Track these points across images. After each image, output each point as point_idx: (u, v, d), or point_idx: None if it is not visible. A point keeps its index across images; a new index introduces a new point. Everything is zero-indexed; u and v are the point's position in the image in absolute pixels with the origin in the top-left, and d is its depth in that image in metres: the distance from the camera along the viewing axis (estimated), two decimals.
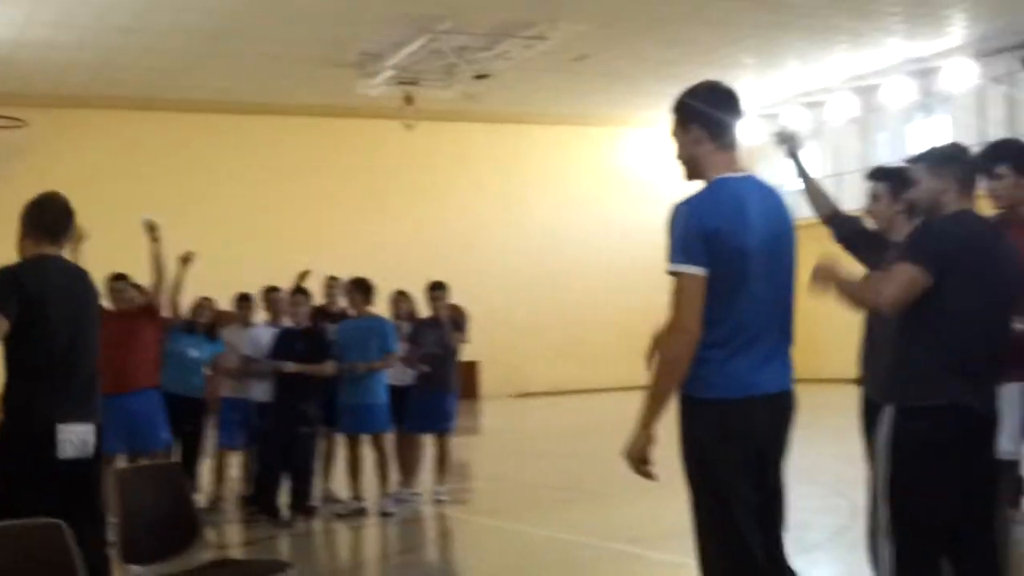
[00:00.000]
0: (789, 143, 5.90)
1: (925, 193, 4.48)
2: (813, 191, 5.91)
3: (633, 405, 4.03)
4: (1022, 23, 24.41)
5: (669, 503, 5.29)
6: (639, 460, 3.88)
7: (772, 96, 26.60)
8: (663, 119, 4.88)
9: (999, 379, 4.42)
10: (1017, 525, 5.36)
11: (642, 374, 4.13)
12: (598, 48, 21.04)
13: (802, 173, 5.92)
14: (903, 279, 4.21)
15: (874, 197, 5.47)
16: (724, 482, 3.87)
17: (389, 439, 10.33)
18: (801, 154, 5.93)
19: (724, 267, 3.82)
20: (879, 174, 5.51)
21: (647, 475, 3.89)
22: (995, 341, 4.32)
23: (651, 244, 25.37)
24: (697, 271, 3.80)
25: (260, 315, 10.59)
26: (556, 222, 27.03)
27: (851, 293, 4.37)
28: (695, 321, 3.80)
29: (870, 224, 5.62)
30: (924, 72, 28.20)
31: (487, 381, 24.83)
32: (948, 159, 4.48)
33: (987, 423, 4.33)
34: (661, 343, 3.97)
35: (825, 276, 4.34)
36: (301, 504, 9.70)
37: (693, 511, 3.97)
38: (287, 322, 10.11)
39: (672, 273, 3.86)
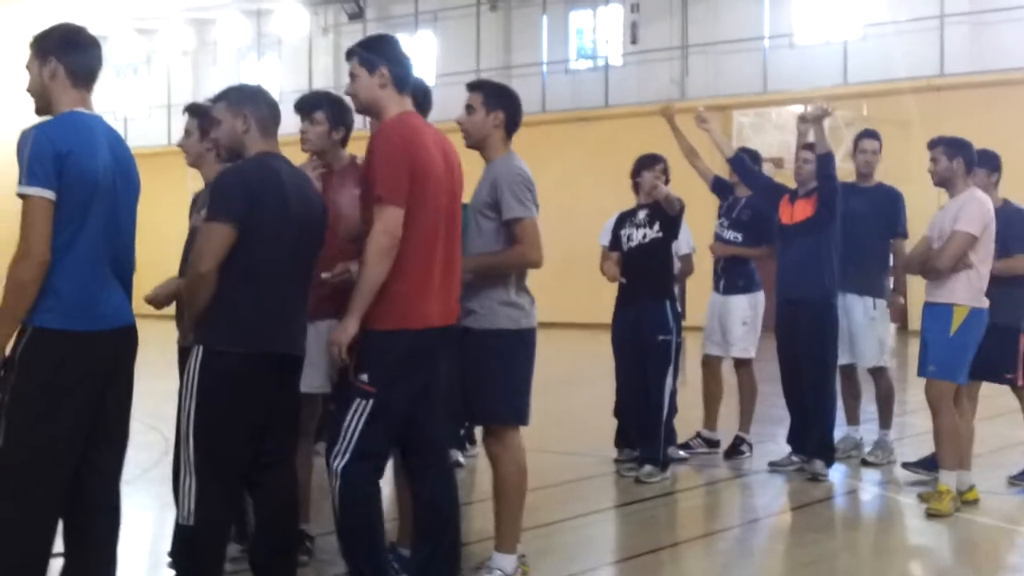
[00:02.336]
0: None
1: (226, 132, 4.53)
2: None
3: None
4: None
5: None
6: None
7: (102, 18, 25.56)
8: None
9: (309, 317, 4.61)
10: (319, 457, 5.65)
11: None
12: None
13: None
14: (215, 241, 4.26)
15: (187, 132, 5.43)
16: (56, 415, 3.89)
17: None
18: None
19: (75, 193, 3.86)
20: (193, 109, 5.47)
21: None
22: (299, 282, 4.48)
23: None
24: (46, 194, 3.82)
25: None
26: None
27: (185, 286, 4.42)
28: (44, 244, 3.82)
29: None
30: (258, 13, 28.68)
31: None
32: (248, 99, 4.54)
33: (292, 361, 4.49)
34: (10, 267, 3.87)
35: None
36: None
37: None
38: None
39: (21, 195, 3.84)
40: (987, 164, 7.20)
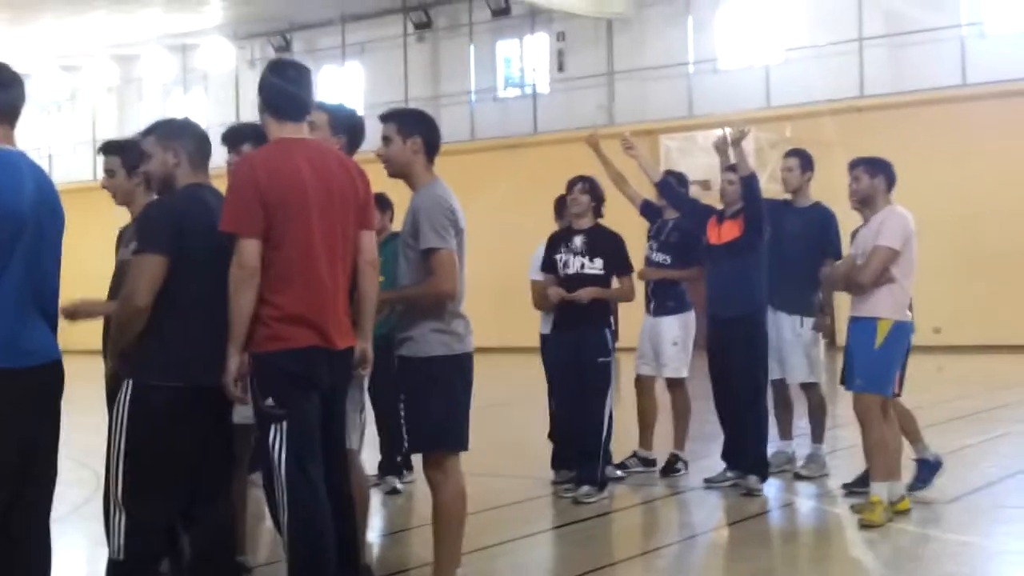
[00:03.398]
0: None
1: (157, 166, 4.55)
2: None
3: None
4: (276, 11, 25.60)
5: None
6: None
7: (26, 55, 25.24)
8: None
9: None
10: (254, 487, 5.64)
11: None
12: None
13: None
14: (149, 273, 4.27)
15: (109, 172, 5.36)
16: None
17: None
18: None
19: (1, 231, 3.81)
20: (112, 148, 5.40)
21: None
22: (218, 314, 4.45)
23: None
24: None
25: None
26: None
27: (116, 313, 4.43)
28: None
29: None
30: (183, 48, 28.49)
31: None
32: (177, 132, 4.56)
33: (223, 395, 4.45)
34: None
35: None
36: None
37: None
38: None
39: None
40: None
